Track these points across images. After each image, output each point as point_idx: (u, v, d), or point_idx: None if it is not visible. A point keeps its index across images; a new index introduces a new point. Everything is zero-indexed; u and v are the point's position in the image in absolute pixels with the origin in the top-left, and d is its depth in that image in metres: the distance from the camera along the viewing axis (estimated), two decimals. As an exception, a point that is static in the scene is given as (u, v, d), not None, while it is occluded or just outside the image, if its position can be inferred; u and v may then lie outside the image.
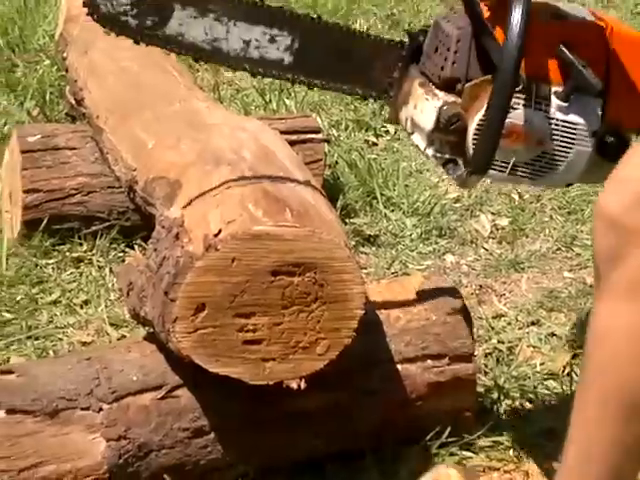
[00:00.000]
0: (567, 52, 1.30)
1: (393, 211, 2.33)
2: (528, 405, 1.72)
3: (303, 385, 1.40)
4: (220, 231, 1.33)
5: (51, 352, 1.80)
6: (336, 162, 2.50)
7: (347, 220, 2.27)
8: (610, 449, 1.20)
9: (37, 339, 1.84)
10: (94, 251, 2.10)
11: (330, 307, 1.36)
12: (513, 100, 1.30)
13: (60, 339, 1.84)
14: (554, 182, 1.38)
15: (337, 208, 2.19)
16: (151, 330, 1.51)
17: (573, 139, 1.34)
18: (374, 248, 2.22)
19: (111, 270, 2.05)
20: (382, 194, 2.36)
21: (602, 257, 1.19)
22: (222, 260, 1.32)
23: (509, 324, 1.95)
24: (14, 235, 2.12)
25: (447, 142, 1.33)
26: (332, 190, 2.30)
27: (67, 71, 2.45)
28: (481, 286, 2.10)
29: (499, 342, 1.88)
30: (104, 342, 1.83)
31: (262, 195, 1.40)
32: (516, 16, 1.26)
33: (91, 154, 2.17)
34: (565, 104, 1.32)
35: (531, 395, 1.73)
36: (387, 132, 2.73)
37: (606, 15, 1.41)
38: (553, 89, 1.32)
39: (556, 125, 1.33)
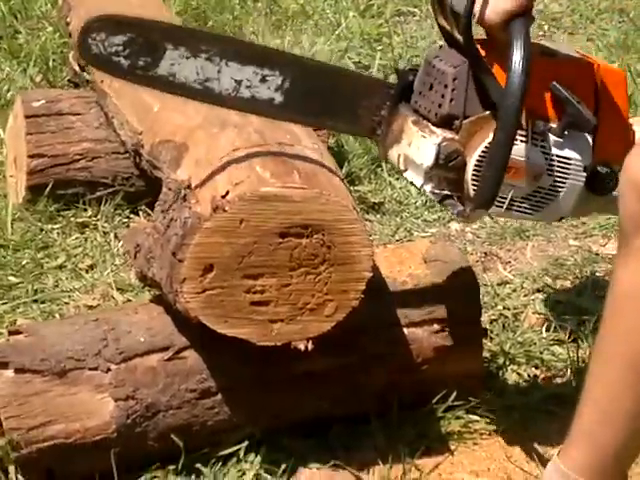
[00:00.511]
0: (561, 89, 1.32)
1: (398, 179, 2.32)
2: (534, 371, 1.72)
3: (310, 346, 1.41)
4: (228, 192, 1.33)
5: (57, 315, 1.81)
6: (340, 130, 2.49)
7: (352, 187, 2.27)
8: (633, 411, 1.20)
9: (43, 303, 1.84)
10: (99, 216, 2.10)
11: (338, 269, 1.36)
12: None
13: (66, 303, 1.85)
14: (548, 217, 1.41)
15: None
16: (158, 293, 1.51)
17: (568, 174, 1.36)
18: (379, 215, 2.22)
19: (116, 236, 2.05)
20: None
21: (629, 222, 1.19)
22: (230, 221, 1.32)
23: (514, 291, 1.95)
24: (19, 200, 2.12)
25: (445, 178, 1.34)
26: (337, 158, 2.27)
27: (70, 36, 2.44)
28: (486, 254, 2.10)
29: (504, 309, 1.88)
30: (110, 306, 1.83)
31: (270, 157, 1.40)
32: (519, 54, 1.27)
33: (95, 120, 2.17)
34: (560, 140, 1.34)
35: (537, 361, 1.74)
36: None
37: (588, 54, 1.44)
38: (549, 125, 1.34)
39: (552, 160, 1.35)
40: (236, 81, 1.37)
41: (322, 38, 2.95)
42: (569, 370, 1.70)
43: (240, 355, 1.42)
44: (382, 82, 1.46)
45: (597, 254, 2.08)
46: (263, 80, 1.37)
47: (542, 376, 1.72)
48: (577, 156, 1.36)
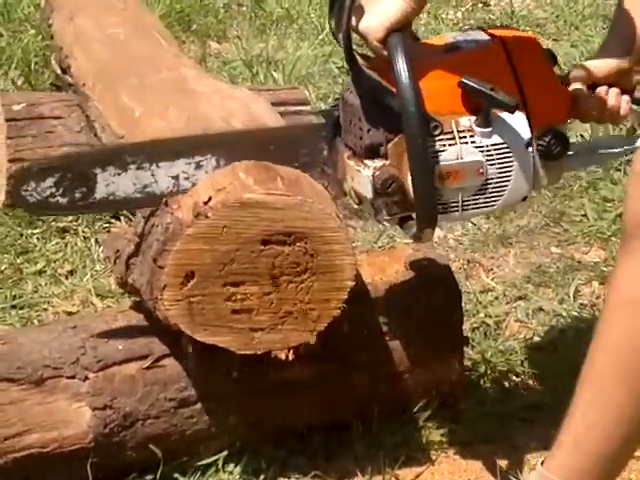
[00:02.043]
0: (470, 82, 1.30)
1: (381, 185, 2.31)
2: (515, 379, 1.72)
3: (291, 356, 1.39)
4: (210, 198, 1.32)
5: (35, 321, 1.79)
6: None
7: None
8: (623, 419, 1.19)
9: (22, 308, 1.82)
10: (79, 221, 2.08)
11: (320, 278, 1.35)
12: (438, 143, 1.31)
13: (45, 309, 1.83)
14: (510, 201, 1.39)
15: (325, 181, 2.17)
16: (137, 299, 1.49)
17: (510, 157, 1.34)
18: (361, 222, 2.21)
19: (96, 241, 2.03)
20: (370, 167, 2.35)
21: (631, 222, 1.17)
22: (212, 228, 1.31)
23: (496, 299, 1.95)
24: (-2, 204, 2.10)
25: (393, 202, 1.34)
26: (320, 163, 2.28)
27: (52, 38, 2.42)
28: (469, 261, 2.09)
29: (486, 316, 1.88)
30: (89, 312, 1.81)
31: (253, 163, 1.38)
32: (399, 66, 1.27)
33: (76, 124, 2.15)
34: (488, 129, 1.33)
35: (518, 369, 1.73)
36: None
37: (500, 27, 1.42)
38: (471, 119, 1.33)
39: (487, 151, 1.33)
40: (173, 177, 1.38)
41: (306, 42, 2.95)
42: (550, 379, 1.70)
43: (220, 363, 1.41)
44: (314, 125, 1.47)
45: (579, 262, 2.08)
46: (198, 166, 1.38)
47: (523, 385, 1.71)
48: (512, 137, 1.33)
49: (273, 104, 1.96)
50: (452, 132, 1.32)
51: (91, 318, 1.55)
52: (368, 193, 1.33)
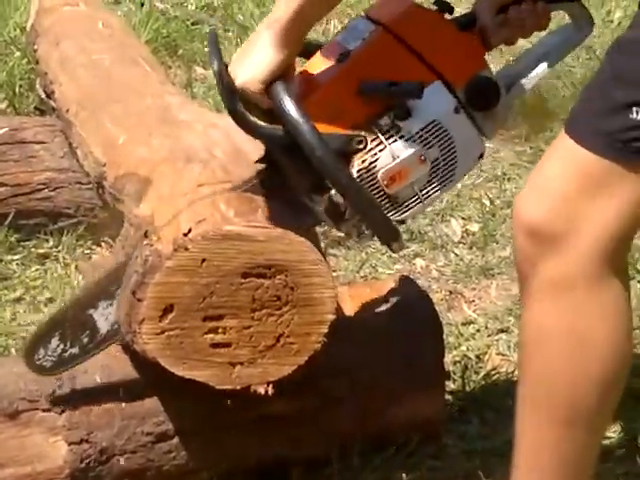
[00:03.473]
0: (369, 86, 1.26)
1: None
2: (497, 414, 1.70)
3: (270, 390, 1.38)
4: (190, 230, 1.31)
5: (13, 350, 1.77)
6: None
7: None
8: (554, 456, 1.19)
9: (-1, 336, 1.80)
10: (60, 248, 2.07)
11: (300, 311, 1.34)
12: (369, 155, 1.27)
13: (23, 337, 1.80)
14: (466, 168, 1.34)
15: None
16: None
17: (445, 132, 1.29)
18: (344, 251, 2.20)
19: (77, 267, 2.01)
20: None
21: (525, 265, 1.19)
22: (192, 260, 1.29)
23: (478, 331, 1.94)
24: (-22, 230, 2.08)
25: (358, 223, 1.31)
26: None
27: (37, 63, 2.41)
28: (451, 292, 2.08)
29: (468, 349, 1.87)
30: (68, 341, 1.79)
31: (234, 195, 1.37)
32: (286, 107, 1.22)
33: (59, 149, 2.14)
34: (409, 118, 1.28)
35: (500, 404, 1.72)
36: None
37: (380, 5, 1.33)
38: (390, 116, 1.28)
39: (420, 137, 1.29)
40: None
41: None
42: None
43: (198, 397, 1.39)
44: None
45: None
46: None
47: (505, 420, 1.70)
48: (437, 112, 1.29)
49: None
50: (377, 137, 1.28)
51: (69, 349, 1.53)
52: (330, 224, 1.33)
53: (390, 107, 1.28)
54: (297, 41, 1.24)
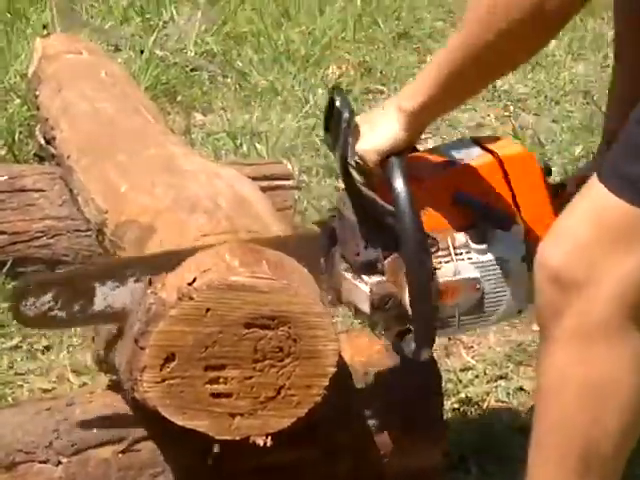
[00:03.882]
0: (466, 198, 1.31)
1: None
2: (496, 463, 1.69)
3: (269, 442, 1.36)
4: (195, 279, 1.30)
5: (10, 399, 1.75)
6: (305, 209, 2.47)
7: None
8: None
9: (-4, 385, 1.78)
10: (58, 295, 2.05)
11: (302, 363, 1.33)
12: (434, 260, 1.30)
13: (20, 385, 1.79)
14: (505, 315, 1.38)
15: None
16: (114, 378, 1.46)
17: (506, 272, 1.34)
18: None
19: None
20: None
21: (548, 311, 1.19)
22: (196, 310, 1.28)
23: (477, 377, 1.93)
24: (-24, 277, 2.07)
25: (391, 318, 1.33)
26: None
27: (38, 109, 2.42)
28: (449, 338, 2.07)
29: (466, 397, 1.85)
30: (65, 389, 1.78)
31: (238, 245, 1.37)
32: (398, 185, 1.27)
33: (58, 196, 2.13)
34: (484, 245, 1.32)
35: (499, 451, 1.70)
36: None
37: (494, 139, 1.40)
38: (467, 235, 1.32)
39: (483, 267, 1.33)
40: None
41: (290, 114, 2.96)
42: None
43: (197, 448, 1.37)
44: (311, 235, 1.46)
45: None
46: None
47: (503, 468, 1.68)
48: (507, 253, 1.33)
49: (256, 179, 1.96)
50: (448, 248, 1.31)
51: (66, 398, 1.50)
52: (365, 308, 1.33)
53: (471, 226, 1.32)
54: (423, 126, 1.30)
